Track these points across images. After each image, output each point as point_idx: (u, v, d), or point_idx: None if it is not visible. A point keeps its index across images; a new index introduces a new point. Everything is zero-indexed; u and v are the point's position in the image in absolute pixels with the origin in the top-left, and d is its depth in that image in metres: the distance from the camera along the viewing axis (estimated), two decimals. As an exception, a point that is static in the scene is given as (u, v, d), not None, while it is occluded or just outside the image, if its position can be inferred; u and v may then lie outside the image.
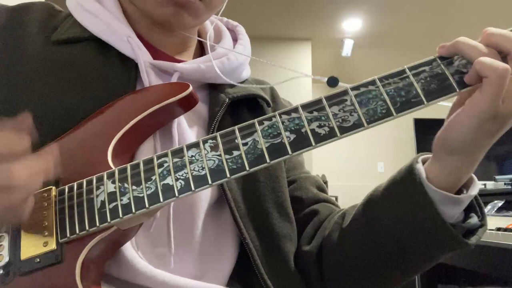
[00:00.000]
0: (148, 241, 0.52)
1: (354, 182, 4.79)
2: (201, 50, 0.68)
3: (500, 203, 1.66)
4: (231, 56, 0.62)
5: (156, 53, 0.59)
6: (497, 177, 2.01)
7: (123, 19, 0.58)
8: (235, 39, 0.68)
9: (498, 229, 1.30)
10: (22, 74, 0.55)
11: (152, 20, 0.59)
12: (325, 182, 3.92)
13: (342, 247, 0.58)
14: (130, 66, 0.56)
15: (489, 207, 1.69)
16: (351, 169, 4.84)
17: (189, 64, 0.58)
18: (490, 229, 1.32)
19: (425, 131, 4.93)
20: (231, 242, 0.59)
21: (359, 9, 3.64)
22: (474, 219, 0.50)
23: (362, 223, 0.56)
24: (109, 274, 0.50)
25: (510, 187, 1.80)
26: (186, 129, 0.56)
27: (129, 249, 0.50)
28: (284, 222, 0.60)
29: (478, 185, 0.50)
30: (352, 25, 3.88)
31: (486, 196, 1.82)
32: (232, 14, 0.71)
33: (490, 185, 1.94)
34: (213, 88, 0.62)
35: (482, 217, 0.51)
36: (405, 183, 0.51)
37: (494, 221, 1.44)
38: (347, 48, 4.09)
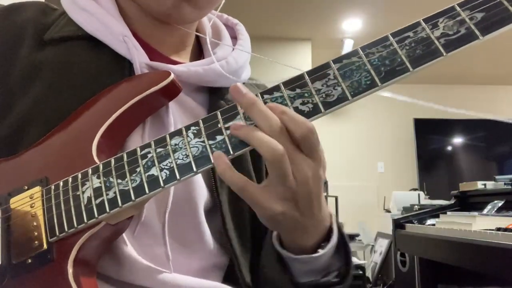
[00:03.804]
0: (146, 242, 0.52)
1: (354, 182, 4.78)
2: (198, 51, 0.67)
3: (500, 203, 1.66)
4: (230, 60, 0.60)
5: (152, 54, 0.58)
6: (497, 177, 2.00)
7: (119, 17, 0.57)
8: (234, 37, 0.66)
9: (498, 229, 1.30)
10: (15, 76, 0.54)
11: (151, 15, 0.57)
12: (325, 182, 3.92)
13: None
14: (124, 65, 0.55)
15: (489, 207, 1.69)
16: (351, 169, 4.84)
17: (186, 67, 0.57)
18: (490, 229, 1.32)
19: (425, 131, 4.92)
20: (224, 248, 0.59)
21: (359, 9, 3.63)
22: (330, 276, 0.52)
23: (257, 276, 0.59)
24: (109, 275, 0.50)
25: (510, 187, 1.79)
26: None
27: (128, 250, 0.50)
28: (254, 240, 0.61)
29: (331, 244, 0.50)
30: (352, 25, 3.88)
31: (486, 196, 1.82)
32: (232, 14, 0.70)
33: (490, 185, 1.93)
34: (212, 92, 0.61)
35: (345, 275, 0.52)
36: (266, 247, 0.55)
37: (494, 221, 1.44)
38: (347, 48, 4.08)
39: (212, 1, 0.58)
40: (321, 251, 0.49)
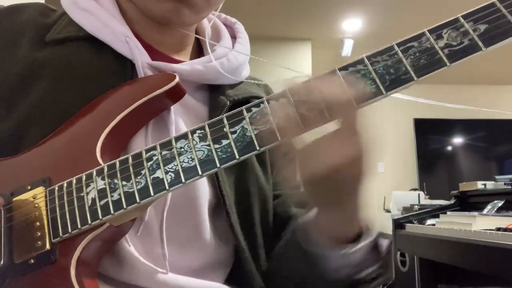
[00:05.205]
0: (147, 242, 0.52)
1: (354, 182, 4.77)
2: (198, 49, 0.67)
3: (500, 203, 1.66)
4: (230, 57, 0.61)
5: (153, 53, 0.58)
6: (497, 177, 2.00)
7: (120, 18, 0.57)
8: (233, 36, 0.67)
9: (498, 229, 1.30)
10: (16, 76, 0.54)
11: (151, 17, 0.58)
12: (325, 182, 3.90)
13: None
14: (126, 65, 0.55)
15: (489, 207, 1.69)
16: (351, 169, 4.83)
17: (188, 66, 0.57)
18: (490, 229, 1.32)
19: (425, 131, 4.92)
20: (228, 247, 0.59)
21: (359, 9, 3.63)
22: (367, 271, 0.50)
23: (277, 271, 0.59)
24: (109, 276, 0.50)
25: (510, 187, 1.79)
26: (184, 130, 0.55)
27: (129, 250, 0.50)
28: (264, 235, 0.61)
29: (368, 237, 0.50)
30: (352, 25, 3.88)
31: (486, 196, 1.82)
32: (232, 14, 0.71)
33: (490, 185, 1.93)
34: (213, 90, 0.61)
35: (381, 266, 0.51)
36: (292, 239, 0.55)
37: (494, 221, 1.44)
38: (347, 48, 4.08)
39: (211, 4, 0.58)
40: (359, 245, 0.49)
